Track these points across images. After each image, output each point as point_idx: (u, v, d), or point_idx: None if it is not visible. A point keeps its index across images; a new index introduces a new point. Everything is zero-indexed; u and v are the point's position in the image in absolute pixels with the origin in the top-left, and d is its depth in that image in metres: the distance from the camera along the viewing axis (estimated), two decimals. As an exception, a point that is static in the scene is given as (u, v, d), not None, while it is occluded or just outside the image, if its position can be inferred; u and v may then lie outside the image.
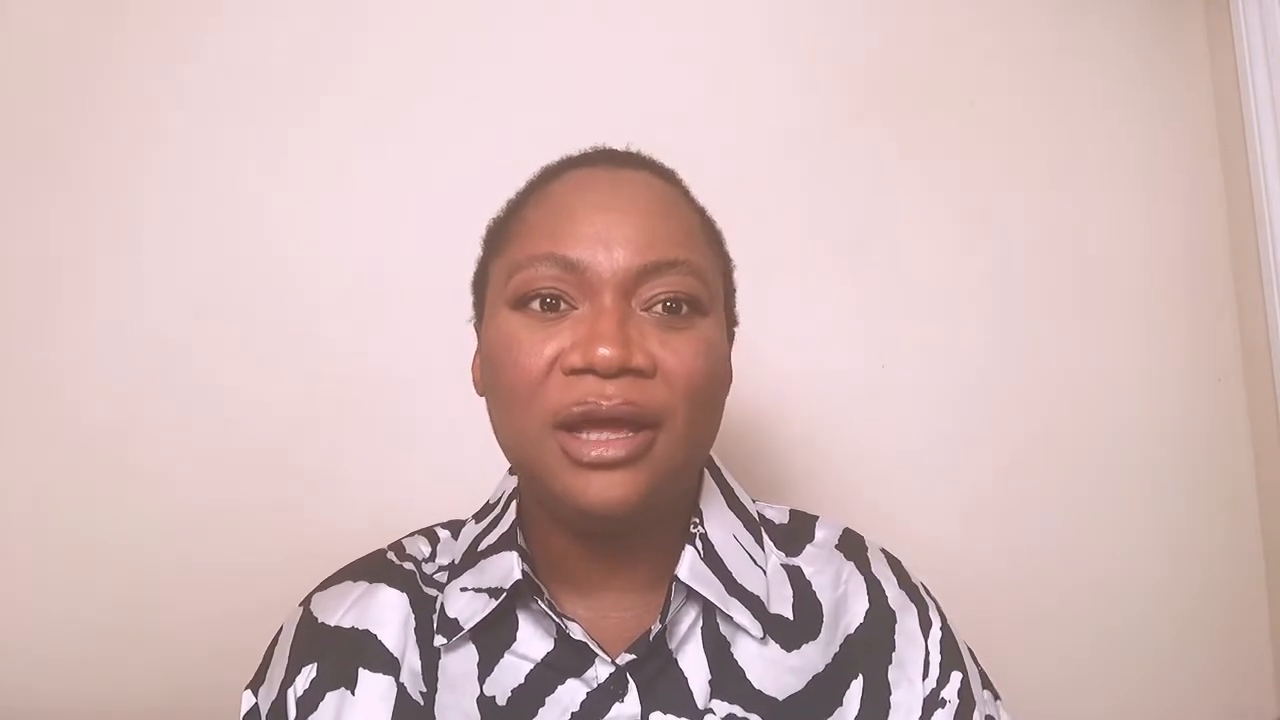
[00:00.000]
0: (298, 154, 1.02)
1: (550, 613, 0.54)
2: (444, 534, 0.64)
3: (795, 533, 0.63)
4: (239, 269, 1.00)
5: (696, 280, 0.53)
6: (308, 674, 0.56)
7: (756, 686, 0.55)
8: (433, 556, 0.62)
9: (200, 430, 0.98)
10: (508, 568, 0.55)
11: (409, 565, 0.61)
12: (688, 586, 0.55)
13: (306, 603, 0.60)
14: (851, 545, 0.63)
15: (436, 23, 1.05)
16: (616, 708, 0.53)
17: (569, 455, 0.49)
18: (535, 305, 0.52)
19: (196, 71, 1.02)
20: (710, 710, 0.54)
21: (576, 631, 0.54)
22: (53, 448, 0.97)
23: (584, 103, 1.03)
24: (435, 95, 1.04)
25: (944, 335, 1.06)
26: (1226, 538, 1.09)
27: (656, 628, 0.54)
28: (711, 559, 0.56)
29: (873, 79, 1.08)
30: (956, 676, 0.58)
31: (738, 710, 0.54)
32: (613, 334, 0.49)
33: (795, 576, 0.60)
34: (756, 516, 0.63)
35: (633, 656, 0.54)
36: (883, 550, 0.64)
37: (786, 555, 0.61)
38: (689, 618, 0.56)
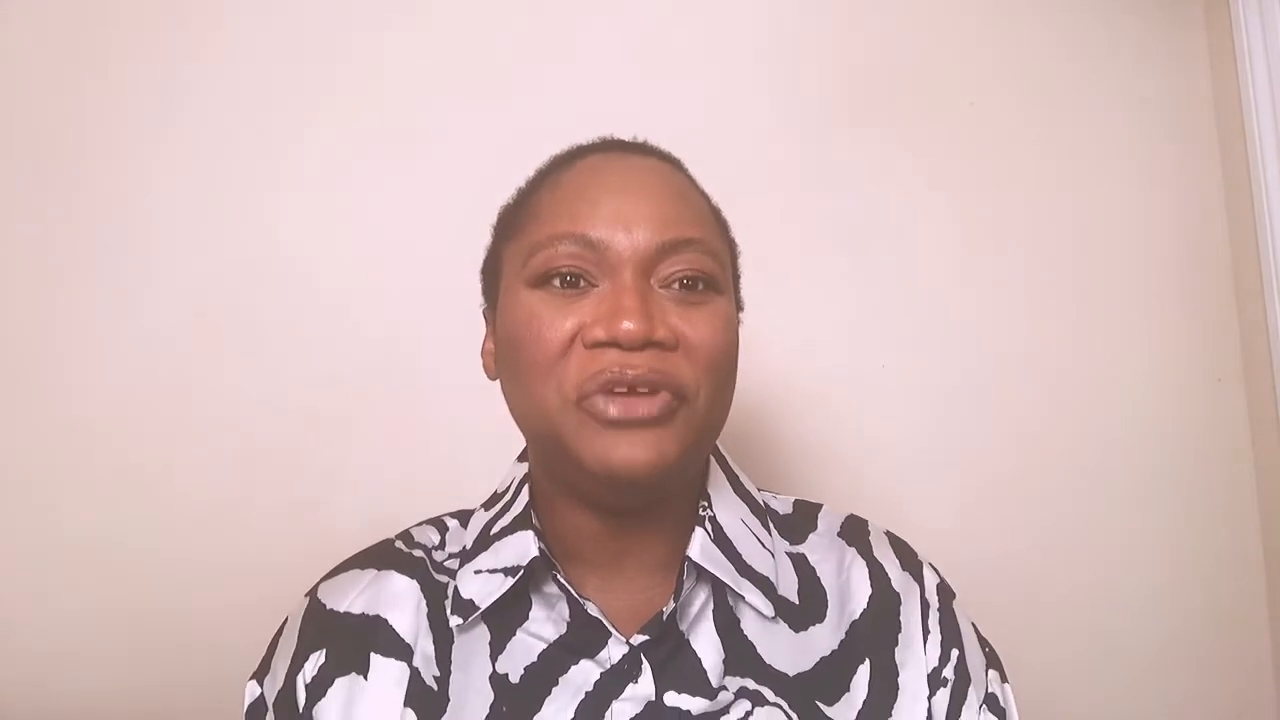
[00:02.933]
0: (302, 153, 1.02)
1: (568, 586, 0.54)
2: (452, 523, 0.64)
3: (799, 521, 0.64)
4: (243, 268, 1.00)
5: (712, 259, 0.54)
6: (316, 660, 0.56)
7: (767, 661, 0.55)
8: (442, 544, 0.62)
9: (204, 429, 0.98)
10: (524, 546, 0.55)
11: (418, 553, 0.61)
12: (699, 567, 0.55)
13: (313, 592, 0.60)
14: (854, 531, 0.63)
15: (439, 23, 1.05)
16: (630, 688, 0.53)
17: (595, 417, 0.50)
18: (555, 283, 0.52)
19: (201, 70, 1.02)
20: (724, 687, 0.54)
21: (592, 609, 0.54)
22: (56, 446, 0.96)
23: (585, 103, 1.03)
24: (440, 95, 1.04)
25: (944, 335, 1.07)
26: (1226, 538, 1.09)
27: (669, 607, 0.54)
28: (721, 541, 0.57)
29: (872, 79, 1.09)
30: (954, 654, 0.59)
31: (750, 683, 0.54)
32: (636, 308, 0.50)
33: (800, 564, 0.60)
34: (762, 504, 0.63)
35: (646, 637, 0.54)
36: (886, 532, 0.64)
37: (791, 544, 0.62)
38: (700, 599, 0.56)
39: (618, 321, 0.49)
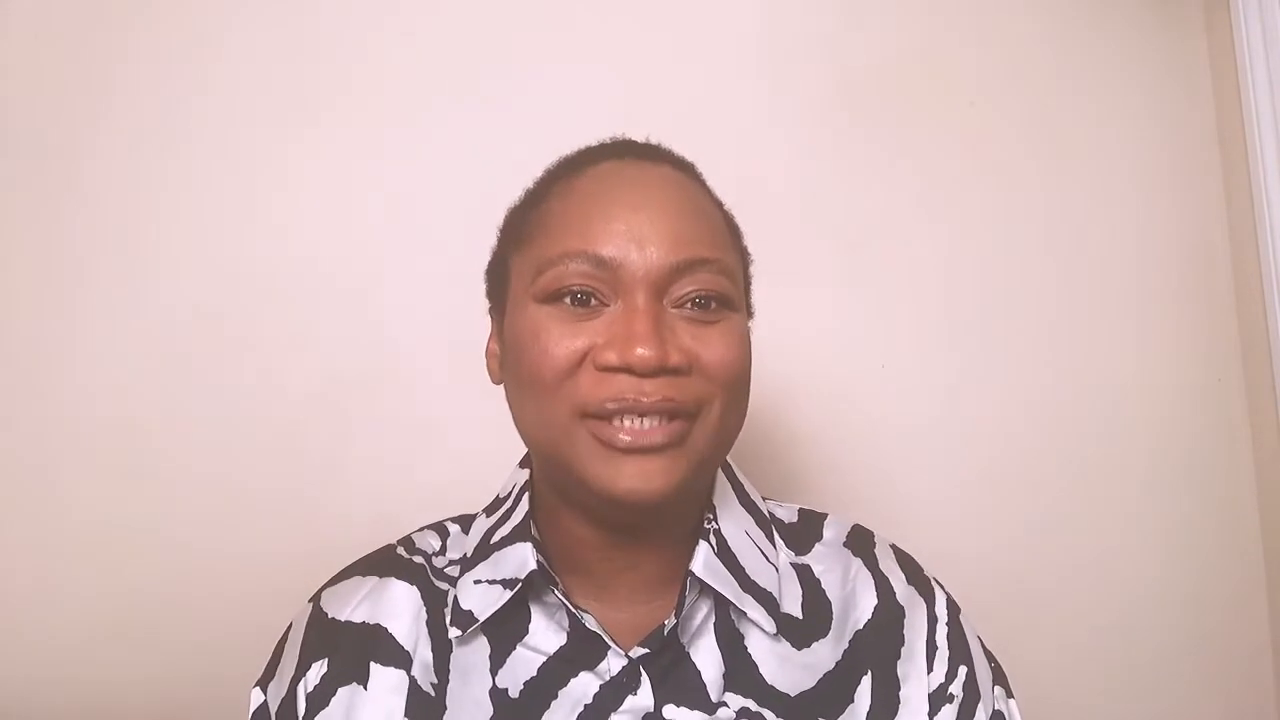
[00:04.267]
0: (305, 153, 1.02)
1: (565, 602, 0.54)
2: (454, 529, 0.63)
3: (804, 531, 0.63)
4: (245, 266, 1.00)
5: (726, 278, 0.53)
6: (318, 670, 0.56)
7: (769, 681, 0.55)
8: (443, 551, 0.61)
9: (207, 426, 0.97)
10: (522, 559, 0.55)
11: (419, 559, 0.60)
12: (702, 581, 0.54)
13: (316, 599, 0.60)
14: (859, 542, 0.63)
15: (440, 22, 1.05)
16: (630, 700, 0.53)
17: (601, 441, 0.49)
18: (566, 301, 0.51)
19: (204, 70, 1.02)
20: (724, 703, 0.54)
21: (591, 622, 0.54)
22: (59, 443, 0.97)
23: (584, 105, 1.03)
24: (440, 94, 1.04)
25: (943, 336, 1.07)
26: (1226, 538, 1.09)
27: (671, 622, 0.54)
28: (725, 554, 0.56)
29: (871, 79, 1.09)
30: (963, 671, 0.58)
31: (751, 704, 0.54)
32: (649, 333, 0.49)
33: (805, 575, 0.60)
34: (767, 514, 0.63)
35: (646, 650, 0.54)
36: (892, 546, 0.64)
37: (796, 554, 0.61)
38: (702, 613, 0.56)
39: (631, 347, 0.48)
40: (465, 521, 0.63)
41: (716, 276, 0.52)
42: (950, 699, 0.57)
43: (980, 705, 0.57)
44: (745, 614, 0.55)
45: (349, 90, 1.03)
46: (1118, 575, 1.07)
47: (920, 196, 1.08)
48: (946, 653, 0.58)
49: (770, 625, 0.55)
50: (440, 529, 0.64)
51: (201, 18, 1.03)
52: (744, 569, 0.56)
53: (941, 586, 0.62)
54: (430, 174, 1.03)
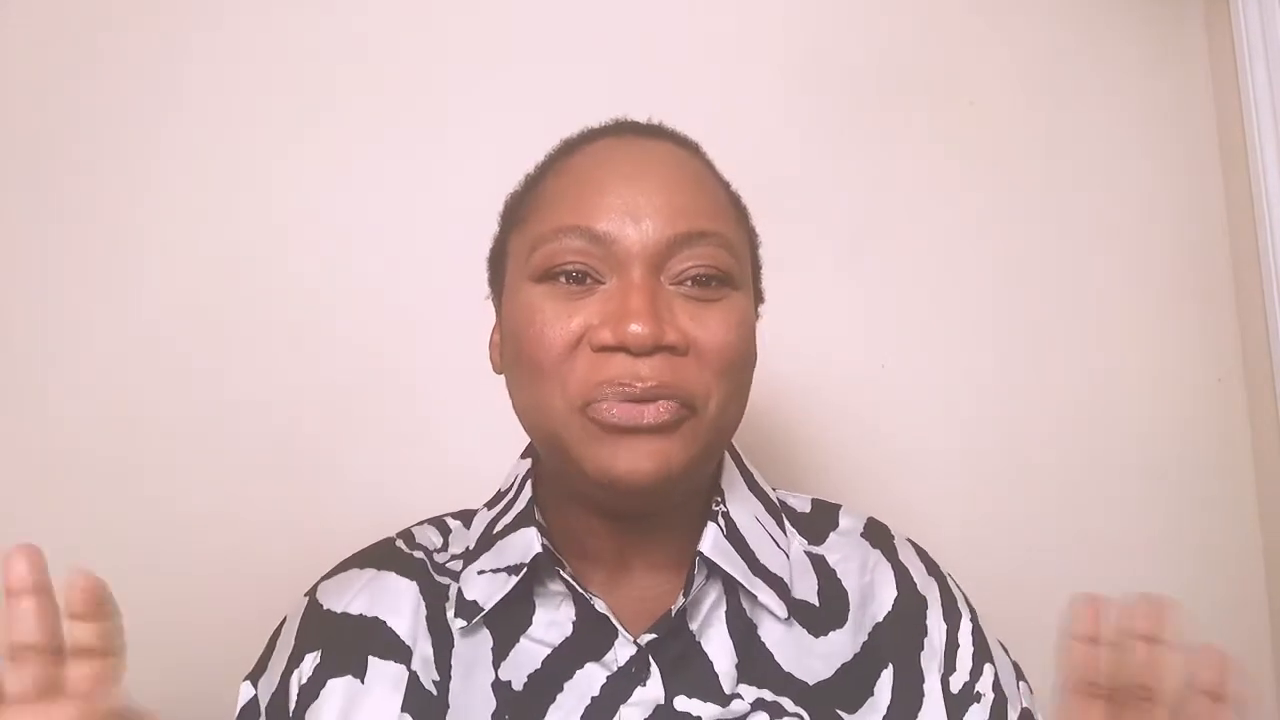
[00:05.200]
0: (300, 153, 1.01)
1: (575, 584, 0.52)
2: (455, 524, 0.62)
3: (818, 521, 0.62)
4: (240, 268, 0.99)
5: (727, 253, 0.51)
6: (311, 661, 0.54)
7: (786, 669, 0.53)
8: (444, 546, 0.60)
9: (200, 430, 0.97)
10: (527, 543, 0.53)
11: (419, 554, 0.59)
12: (710, 562, 0.53)
13: (312, 592, 0.59)
14: (877, 533, 0.62)
15: (440, 18, 1.05)
16: (639, 692, 0.51)
17: (597, 423, 0.48)
18: (561, 279, 0.50)
19: (201, 69, 1.01)
20: (738, 695, 0.52)
21: (600, 605, 0.52)
22: (51, 446, 0.96)
23: (584, 101, 1.02)
24: (440, 94, 1.03)
25: (944, 336, 1.06)
26: (1226, 538, 1.08)
27: (679, 603, 0.52)
28: (734, 537, 0.55)
29: (872, 78, 1.08)
30: (989, 670, 0.57)
31: (766, 694, 0.52)
32: (645, 310, 0.47)
33: (819, 565, 0.59)
34: (777, 502, 0.62)
35: (654, 635, 0.52)
36: (909, 540, 0.63)
37: (810, 543, 0.60)
38: (710, 598, 0.54)
39: (625, 324, 0.47)
40: (466, 517, 0.62)
41: (717, 251, 0.51)
42: (978, 698, 0.56)
43: (1010, 706, 0.57)
44: (756, 598, 0.54)
45: (349, 90, 1.03)
46: (1117, 575, 1.06)
47: (919, 196, 1.08)
48: (970, 650, 0.57)
49: (781, 609, 0.54)
50: (440, 524, 0.63)
51: (201, 14, 1.02)
52: (753, 553, 0.55)
53: (957, 585, 0.62)
54: (429, 174, 1.02)
